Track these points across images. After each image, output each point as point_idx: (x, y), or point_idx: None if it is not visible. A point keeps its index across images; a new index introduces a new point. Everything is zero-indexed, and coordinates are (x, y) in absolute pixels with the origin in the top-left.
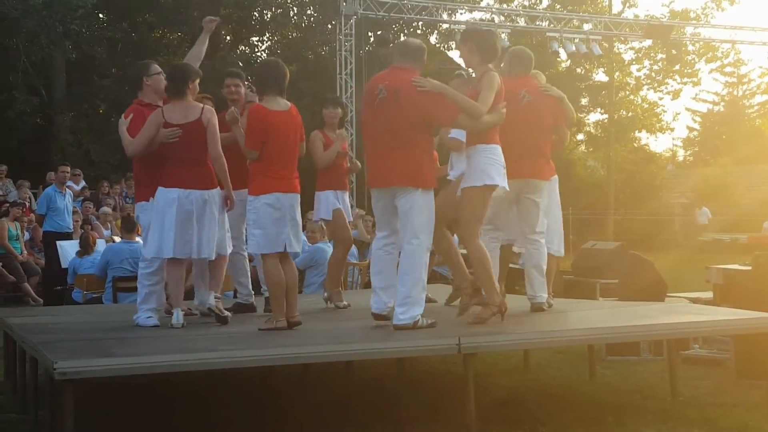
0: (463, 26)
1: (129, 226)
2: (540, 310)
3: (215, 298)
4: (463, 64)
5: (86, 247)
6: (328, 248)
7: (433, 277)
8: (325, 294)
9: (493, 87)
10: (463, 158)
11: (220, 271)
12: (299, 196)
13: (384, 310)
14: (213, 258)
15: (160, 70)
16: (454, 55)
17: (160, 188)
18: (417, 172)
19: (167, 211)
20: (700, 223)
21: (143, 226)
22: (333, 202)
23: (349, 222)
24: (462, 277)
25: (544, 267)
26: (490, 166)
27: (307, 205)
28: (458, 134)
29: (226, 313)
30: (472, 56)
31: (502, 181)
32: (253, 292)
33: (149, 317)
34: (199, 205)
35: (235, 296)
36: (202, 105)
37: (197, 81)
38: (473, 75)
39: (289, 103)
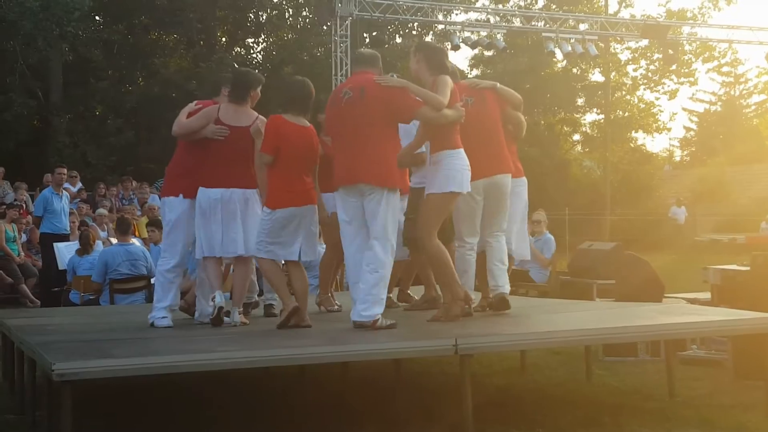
0: (458, 27)
1: (123, 228)
2: (503, 300)
3: (239, 312)
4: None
5: (86, 246)
6: (322, 249)
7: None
8: (317, 299)
9: (447, 85)
10: (421, 167)
11: (246, 275)
12: (315, 207)
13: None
14: (245, 252)
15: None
16: (451, 56)
17: (201, 188)
18: (384, 171)
19: (213, 211)
20: (678, 222)
21: (167, 222)
22: (333, 204)
23: None
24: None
25: (506, 260)
26: (456, 171)
27: None
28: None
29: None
30: (420, 66)
31: (462, 186)
32: (257, 289)
33: (164, 317)
34: (242, 203)
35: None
36: (257, 114)
37: (259, 88)
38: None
39: (309, 124)
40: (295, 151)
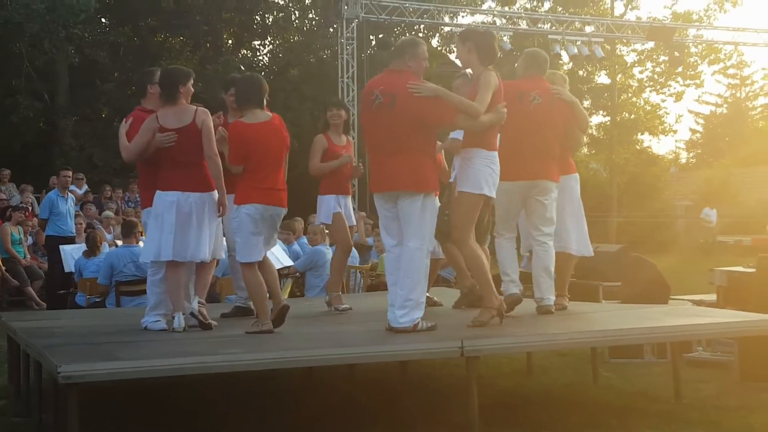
0: (464, 29)
1: (128, 230)
2: (548, 313)
3: (199, 302)
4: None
5: (93, 248)
6: (328, 251)
7: (437, 281)
8: (327, 298)
9: (489, 86)
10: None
11: (207, 275)
12: (284, 210)
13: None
14: (209, 260)
15: None
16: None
17: (158, 192)
18: (418, 176)
19: (166, 215)
20: (706, 225)
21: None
22: (334, 206)
23: (350, 227)
24: (467, 281)
25: (552, 269)
26: (488, 175)
27: (312, 208)
28: (457, 134)
29: (210, 320)
30: (471, 57)
31: (491, 192)
32: None
33: (157, 321)
34: (198, 207)
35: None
36: (195, 107)
37: (189, 83)
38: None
39: (270, 114)
40: (262, 152)
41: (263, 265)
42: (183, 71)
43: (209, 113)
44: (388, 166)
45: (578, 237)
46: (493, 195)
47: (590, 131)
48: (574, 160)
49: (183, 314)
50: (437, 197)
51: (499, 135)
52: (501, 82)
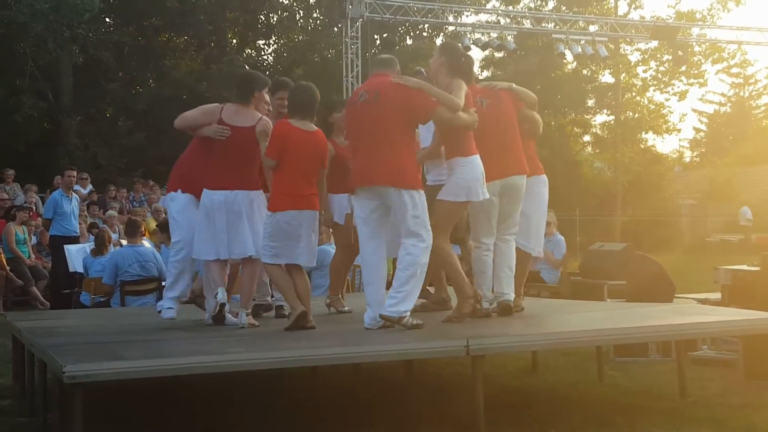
0: (469, 28)
1: (133, 230)
2: (508, 308)
3: (246, 314)
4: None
5: (101, 247)
6: (333, 250)
7: None
8: (327, 299)
9: (462, 88)
10: (438, 164)
11: (252, 283)
12: (317, 212)
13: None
14: (254, 254)
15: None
16: None
17: (205, 191)
18: (401, 172)
19: (217, 214)
20: (741, 224)
21: (171, 215)
22: (346, 206)
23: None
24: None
25: (514, 265)
26: (468, 182)
27: None
28: (424, 140)
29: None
30: (441, 69)
31: (482, 194)
32: (270, 291)
33: (169, 308)
34: (247, 205)
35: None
36: (260, 115)
37: (264, 91)
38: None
39: (316, 128)
40: (299, 156)
41: (299, 277)
42: (261, 78)
43: (271, 124)
44: (369, 161)
45: (538, 239)
46: (477, 198)
47: (594, 130)
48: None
49: (246, 312)
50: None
51: None
52: (469, 89)
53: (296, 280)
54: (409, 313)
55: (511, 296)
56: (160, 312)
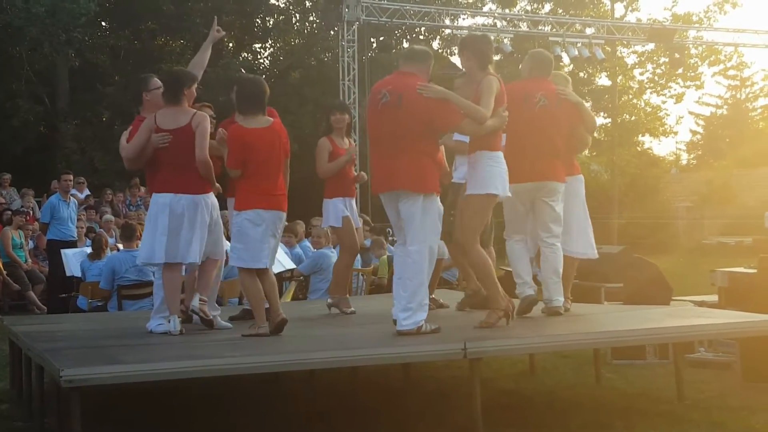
0: (465, 31)
1: (128, 234)
2: (557, 314)
3: (200, 300)
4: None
5: (98, 250)
6: (332, 254)
7: (438, 283)
8: (329, 300)
9: (492, 91)
10: (465, 161)
11: (209, 274)
12: (284, 214)
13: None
14: (198, 262)
15: (159, 84)
16: (457, 60)
17: (153, 194)
18: (420, 177)
19: (159, 217)
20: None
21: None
22: (342, 209)
23: (357, 229)
24: (472, 283)
25: (560, 270)
26: (494, 175)
27: (314, 211)
28: (461, 136)
29: (211, 315)
30: (471, 63)
31: (503, 190)
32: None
33: (160, 324)
34: (190, 209)
35: (240, 302)
36: (194, 111)
37: (194, 86)
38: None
39: (271, 119)
40: (261, 157)
41: (263, 274)
42: (188, 74)
43: (208, 118)
44: (389, 166)
45: (582, 239)
46: (502, 193)
47: None
48: (576, 162)
49: (179, 317)
50: (439, 198)
51: (504, 136)
52: (503, 86)
53: (262, 279)
54: (424, 321)
55: (560, 302)
56: (150, 332)
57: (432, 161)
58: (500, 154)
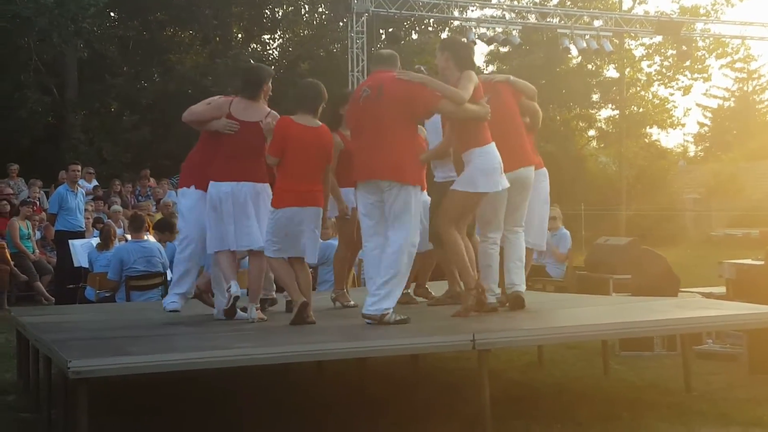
0: (474, 23)
1: (137, 225)
2: (518, 299)
3: (255, 308)
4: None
5: (106, 241)
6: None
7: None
8: (332, 294)
9: (471, 79)
10: (446, 162)
11: (260, 277)
12: (320, 209)
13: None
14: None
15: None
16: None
17: (211, 182)
18: (402, 167)
19: (224, 205)
20: None
21: (181, 211)
22: (352, 200)
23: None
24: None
25: (524, 257)
26: (486, 172)
27: None
28: (437, 135)
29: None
30: (449, 65)
31: (501, 183)
32: (274, 286)
33: (173, 301)
34: (253, 197)
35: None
36: (268, 110)
37: (270, 82)
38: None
39: (320, 123)
40: (301, 153)
41: (300, 269)
42: (268, 71)
43: (279, 118)
44: (371, 156)
45: (537, 231)
46: (495, 189)
47: (599, 125)
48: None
49: (256, 307)
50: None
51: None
52: (480, 83)
53: (298, 273)
54: (392, 310)
55: (522, 288)
56: (164, 308)
57: (412, 153)
58: (491, 146)
